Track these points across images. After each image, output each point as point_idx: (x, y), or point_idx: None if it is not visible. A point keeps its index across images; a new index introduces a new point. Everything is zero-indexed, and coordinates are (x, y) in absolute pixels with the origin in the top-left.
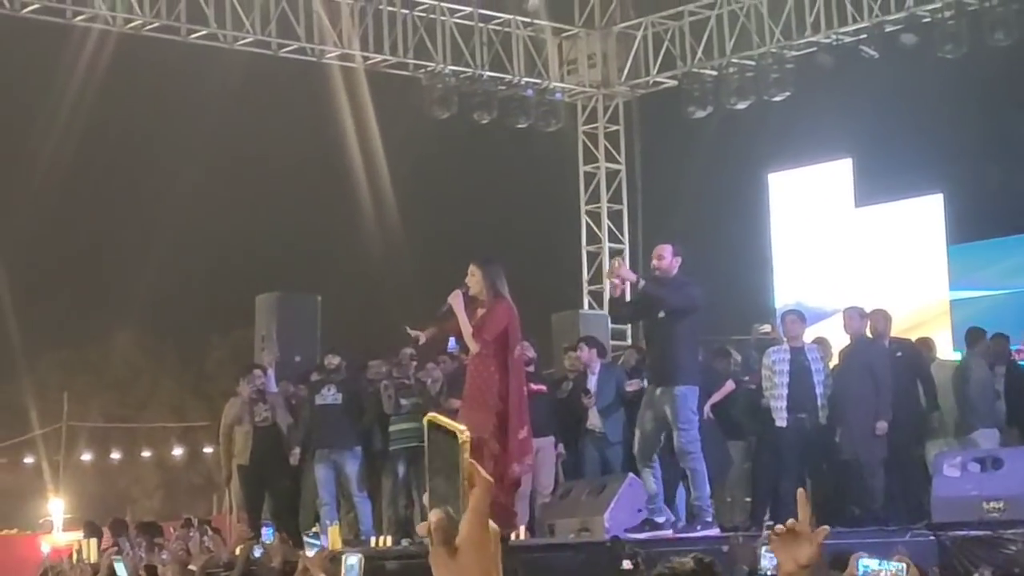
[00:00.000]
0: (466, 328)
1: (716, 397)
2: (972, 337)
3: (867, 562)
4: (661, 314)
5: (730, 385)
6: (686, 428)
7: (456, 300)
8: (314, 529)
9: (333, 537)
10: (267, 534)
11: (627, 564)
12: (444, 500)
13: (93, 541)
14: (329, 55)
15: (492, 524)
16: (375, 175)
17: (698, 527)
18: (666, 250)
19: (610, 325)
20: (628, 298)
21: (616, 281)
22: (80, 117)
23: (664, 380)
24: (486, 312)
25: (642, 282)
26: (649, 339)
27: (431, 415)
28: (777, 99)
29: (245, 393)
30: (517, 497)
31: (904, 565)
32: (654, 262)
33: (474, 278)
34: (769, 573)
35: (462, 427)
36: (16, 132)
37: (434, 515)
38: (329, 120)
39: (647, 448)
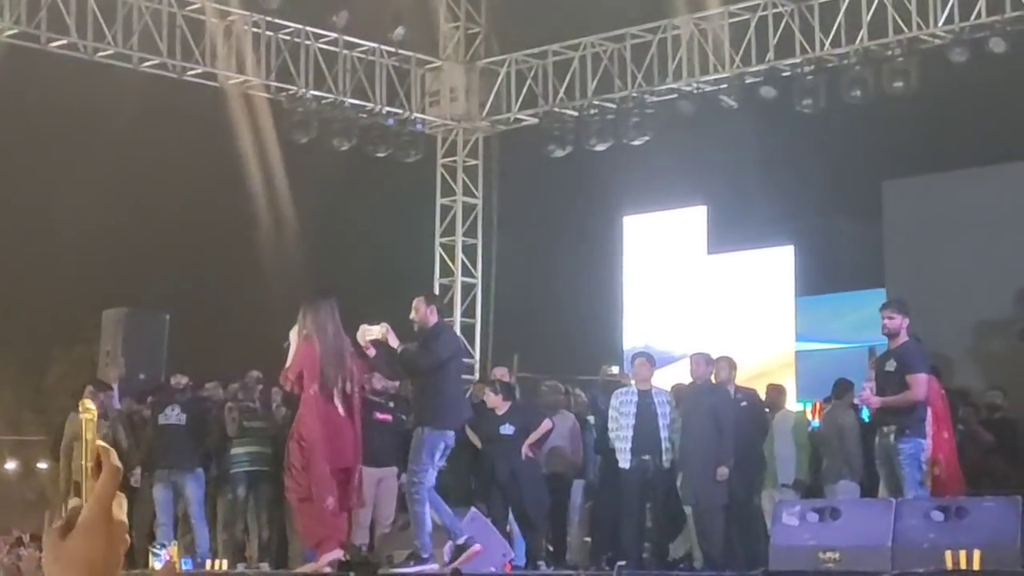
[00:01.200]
0: (286, 366)
1: (533, 436)
2: (840, 389)
3: None
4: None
5: (547, 424)
6: (415, 469)
7: (293, 336)
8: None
9: (172, 557)
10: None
11: None
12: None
13: None
14: (191, 72)
15: (120, 516)
16: (237, 195)
17: (411, 563)
18: (420, 302)
19: None
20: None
21: (367, 343)
22: None
23: (414, 422)
24: (300, 347)
25: (399, 347)
26: (412, 384)
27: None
28: (636, 143)
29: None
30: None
31: None
32: (411, 315)
33: (300, 316)
34: None
35: (88, 404)
36: None
37: (73, 502)
38: (205, 140)
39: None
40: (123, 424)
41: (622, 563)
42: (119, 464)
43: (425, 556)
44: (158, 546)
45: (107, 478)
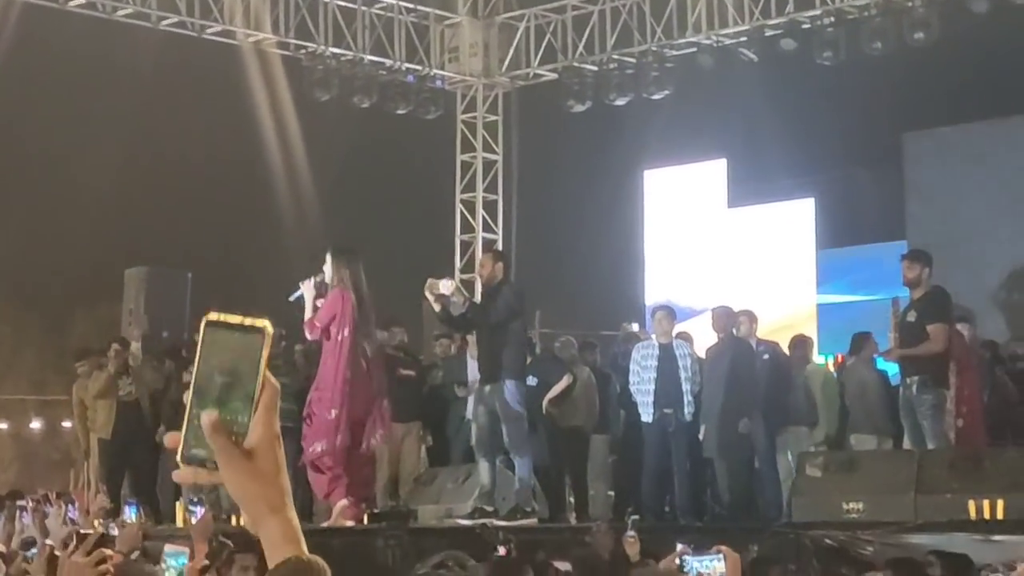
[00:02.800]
0: (307, 316)
1: (554, 391)
2: (857, 343)
3: (689, 559)
4: (491, 319)
5: (567, 379)
6: (513, 424)
7: (307, 287)
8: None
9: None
10: (129, 512)
11: (501, 550)
12: (223, 400)
13: None
14: (210, 31)
15: (278, 431)
16: (257, 154)
17: (518, 516)
18: (487, 258)
19: None
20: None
21: (432, 298)
22: None
23: (492, 378)
24: (329, 298)
25: (464, 304)
26: (479, 341)
27: (212, 314)
28: (656, 97)
29: (110, 367)
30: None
31: (721, 554)
32: (478, 270)
33: (327, 265)
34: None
35: (264, 321)
36: None
37: (209, 416)
38: (225, 99)
39: (484, 443)
40: (148, 382)
41: (636, 516)
42: (276, 383)
43: (528, 509)
44: (194, 499)
45: (272, 393)
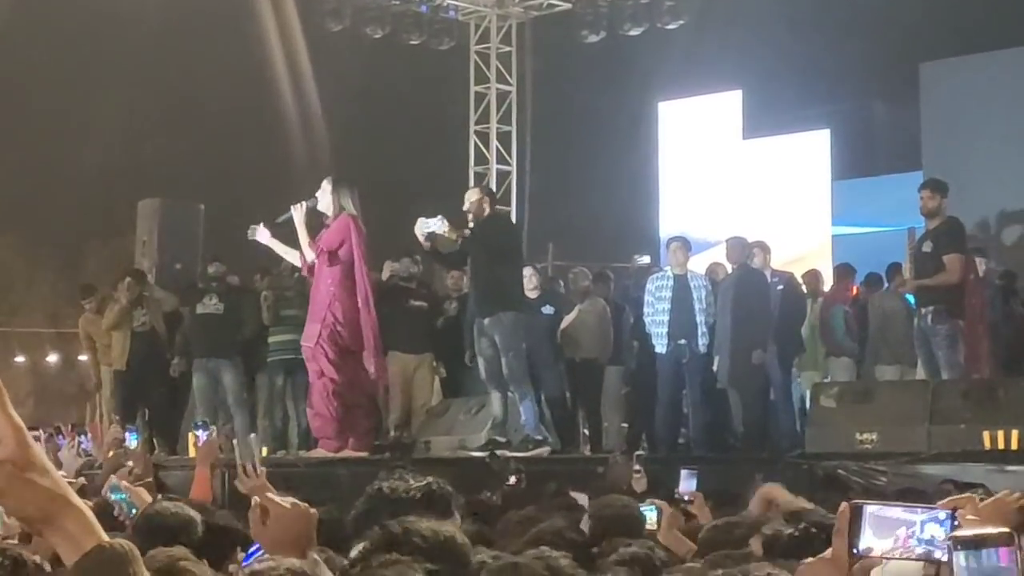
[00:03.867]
0: (304, 238)
1: (566, 321)
2: (890, 273)
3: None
4: (482, 253)
5: (576, 310)
6: (513, 355)
7: (297, 211)
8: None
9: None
10: (130, 439)
11: (512, 479)
12: None
13: None
14: None
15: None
16: (269, 86)
17: (529, 447)
18: (473, 192)
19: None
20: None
21: (422, 237)
22: None
23: (489, 311)
24: (326, 228)
25: (458, 239)
26: (473, 275)
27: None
28: (670, 27)
29: (124, 298)
30: (337, 416)
31: (654, 507)
32: (464, 207)
33: (323, 193)
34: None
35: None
36: None
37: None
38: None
39: (494, 374)
40: (162, 313)
41: (641, 452)
42: None
43: (539, 439)
44: (200, 422)
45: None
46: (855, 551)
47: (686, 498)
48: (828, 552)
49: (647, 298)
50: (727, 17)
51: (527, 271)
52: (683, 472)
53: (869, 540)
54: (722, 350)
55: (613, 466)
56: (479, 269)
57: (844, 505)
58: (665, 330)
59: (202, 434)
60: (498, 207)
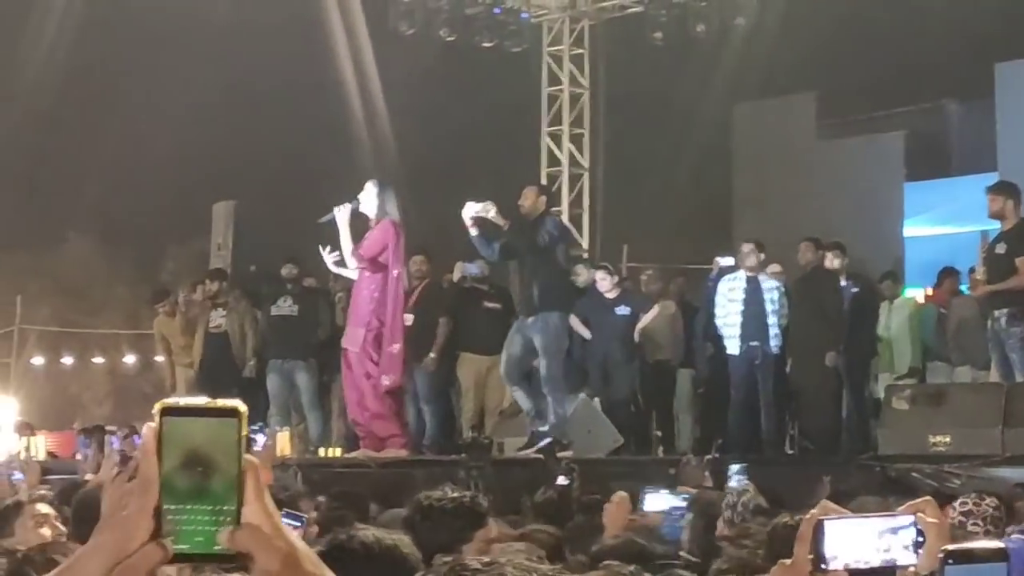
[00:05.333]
0: (347, 244)
1: (644, 320)
2: (943, 276)
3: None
4: (534, 249)
5: (657, 308)
6: (552, 356)
7: (341, 213)
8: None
9: (282, 443)
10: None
11: (562, 480)
12: (199, 493)
13: (40, 438)
14: None
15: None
16: (340, 89)
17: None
18: (531, 190)
19: None
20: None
21: (470, 223)
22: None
23: (533, 309)
24: (370, 231)
25: (506, 227)
26: (520, 273)
27: (167, 401)
28: (744, 29)
29: (203, 299)
30: (393, 414)
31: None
32: (520, 202)
33: (368, 196)
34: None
35: (234, 402)
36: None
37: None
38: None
39: (513, 371)
40: (238, 314)
41: (718, 454)
42: (256, 459)
43: (565, 443)
44: (257, 426)
45: (256, 480)
46: (822, 565)
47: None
48: (788, 560)
49: (719, 299)
50: (801, 18)
51: (600, 273)
52: (733, 467)
53: (833, 550)
54: (795, 351)
55: (685, 468)
56: (524, 267)
57: (811, 512)
58: (738, 331)
59: (258, 438)
60: (552, 208)
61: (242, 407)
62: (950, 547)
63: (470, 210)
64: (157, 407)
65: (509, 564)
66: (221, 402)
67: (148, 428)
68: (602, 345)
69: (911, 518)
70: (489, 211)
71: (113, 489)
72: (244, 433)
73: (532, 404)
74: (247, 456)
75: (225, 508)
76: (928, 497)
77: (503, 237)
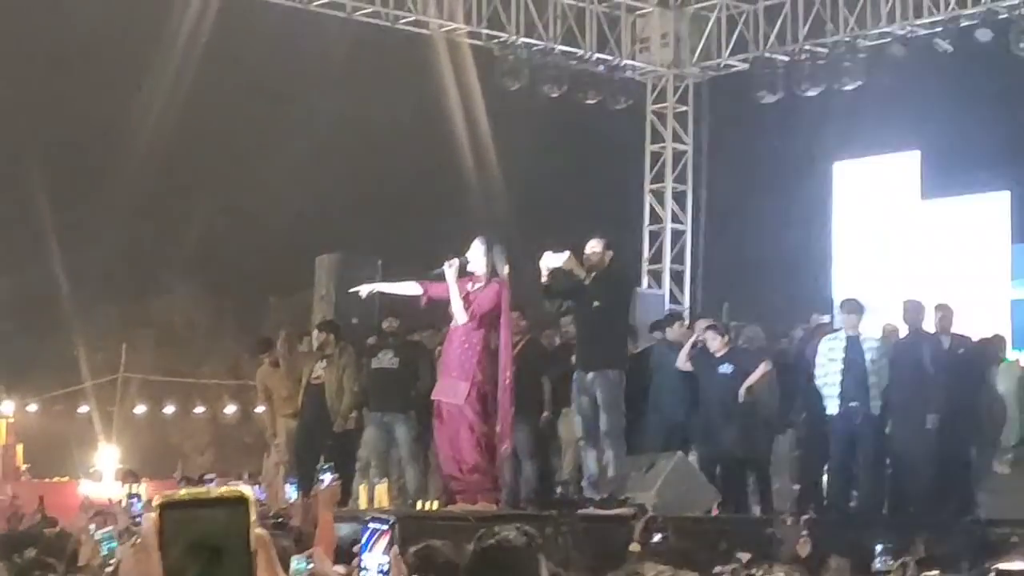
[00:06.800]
0: (456, 299)
1: (752, 378)
2: None
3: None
4: (595, 304)
5: (764, 367)
6: (612, 413)
7: (450, 268)
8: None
9: (380, 495)
10: (290, 491)
11: (658, 536)
12: None
13: (144, 486)
14: (403, 20)
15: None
16: (446, 143)
17: (613, 506)
18: (598, 243)
19: (666, 304)
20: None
21: (547, 271)
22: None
23: (593, 366)
24: (480, 288)
25: (583, 278)
26: (579, 327)
27: (166, 495)
28: (848, 88)
29: (305, 349)
30: (490, 468)
31: None
32: (586, 254)
33: (476, 253)
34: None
35: (241, 489)
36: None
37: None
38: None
39: (589, 430)
40: (340, 366)
41: (806, 516)
42: (266, 534)
43: (623, 498)
44: (325, 467)
45: (267, 556)
46: None
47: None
48: None
49: (819, 359)
50: (904, 77)
51: (710, 333)
52: (877, 548)
53: None
54: (895, 413)
55: (783, 527)
56: (587, 320)
57: None
58: (837, 391)
59: (327, 478)
60: (617, 262)
61: (249, 493)
62: (1001, 567)
63: (548, 260)
64: (156, 501)
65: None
66: (227, 490)
67: (148, 521)
68: (705, 402)
69: None
70: (567, 262)
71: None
72: (253, 518)
73: (597, 471)
74: (258, 532)
75: None
76: None
77: (571, 289)
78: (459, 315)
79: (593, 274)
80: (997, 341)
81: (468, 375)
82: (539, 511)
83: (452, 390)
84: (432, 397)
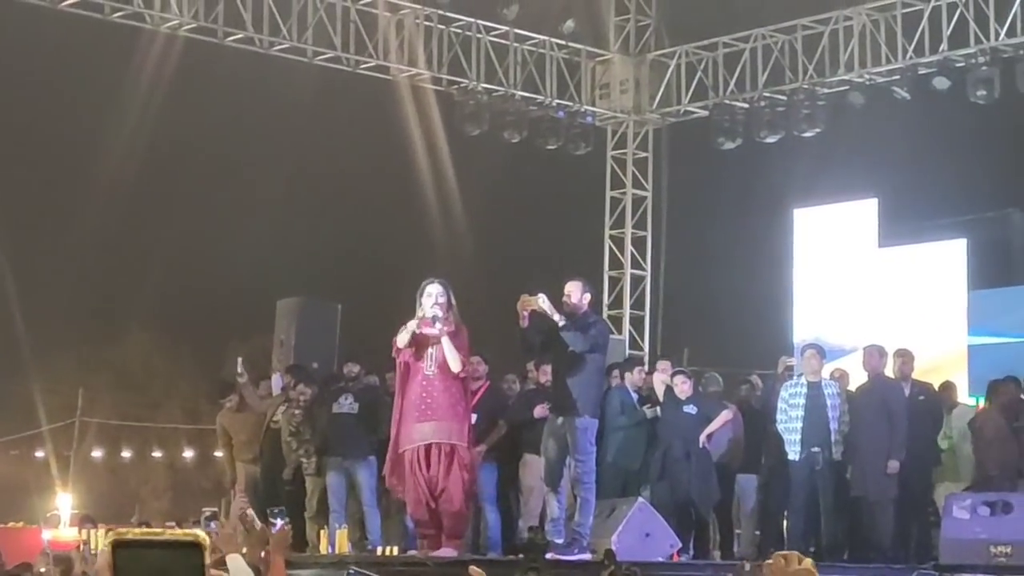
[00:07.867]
0: (451, 351)
1: (714, 425)
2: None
3: None
4: (570, 349)
5: (727, 414)
6: (583, 459)
7: (545, 302)
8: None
9: (341, 541)
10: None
11: None
12: None
13: (101, 532)
14: (365, 65)
15: None
16: (408, 187)
17: (575, 551)
18: (576, 287)
19: (626, 349)
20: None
21: (525, 314)
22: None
23: (566, 411)
24: (456, 334)
25: (561, 321)
26: (554, 371)
27: (120, 532)
28: (807, 135)
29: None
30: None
31: None
32: (564, 298)
33: (443, 299)
34: None
35: (196, 532)
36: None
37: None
38: (378, 133)
39: (554, 475)
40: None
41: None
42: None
43: (586, 544)
44: (276, 510)
45: None
46: None
47: None
48: None
49: (780, 405)
50: (863, 125)
51: (679, 378)
52: None
53: None
54: (856, 458)
55: (741, 573)
56: (560, 366)
57: None
58: (798, 437)
59: (278, 523)
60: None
61: (204, 539)
62: None
63: (526, 304)
64: (108, 539)
65: None
66: (181, 533)
67: (101, 557)
68: (665, 442)
69: None
70: (543, 305)
71: None
72: (207, 562)
73: (561, 513)
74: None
75: None
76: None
77: (549, 332)
78: (455, 366)
79: (571, 317)
80: (951, 387)
81: (461, 417)
82: (502, 556)
83: (447, 431)
84: (418, 443)
